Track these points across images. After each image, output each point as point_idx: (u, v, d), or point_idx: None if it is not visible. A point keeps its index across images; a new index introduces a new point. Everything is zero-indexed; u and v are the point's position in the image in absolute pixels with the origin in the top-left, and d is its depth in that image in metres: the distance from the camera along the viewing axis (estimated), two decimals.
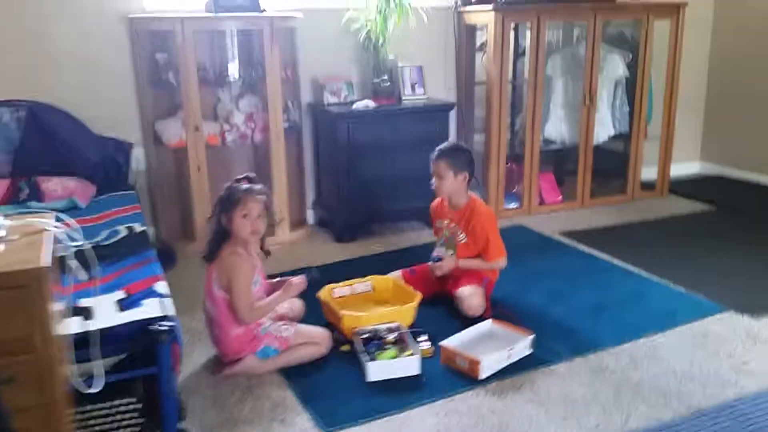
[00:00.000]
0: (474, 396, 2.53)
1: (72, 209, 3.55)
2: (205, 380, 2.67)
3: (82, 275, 1.83)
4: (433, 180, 3.25)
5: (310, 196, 4.59)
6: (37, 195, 3.58)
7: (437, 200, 3.41)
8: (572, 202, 4.92)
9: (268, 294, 2.82)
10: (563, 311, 3.22)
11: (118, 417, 2.24)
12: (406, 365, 2.65)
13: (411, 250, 4.05)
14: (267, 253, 2.87)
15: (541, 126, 4.80)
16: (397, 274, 3.35)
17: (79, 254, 2.87)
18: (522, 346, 2.77)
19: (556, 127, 4.93)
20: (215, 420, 2.40)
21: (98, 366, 1.92)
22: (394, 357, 2.68)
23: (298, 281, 2.77)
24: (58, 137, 3.81)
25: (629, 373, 2.67)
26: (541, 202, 4.88)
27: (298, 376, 2.67)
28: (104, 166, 3.94)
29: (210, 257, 2.67)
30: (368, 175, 4.21)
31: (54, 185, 3.64)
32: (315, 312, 3.06)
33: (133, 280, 2.57)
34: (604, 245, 4.08)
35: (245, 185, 2.70)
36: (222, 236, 2.68)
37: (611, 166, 5.17)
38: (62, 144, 3.83)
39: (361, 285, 3.28)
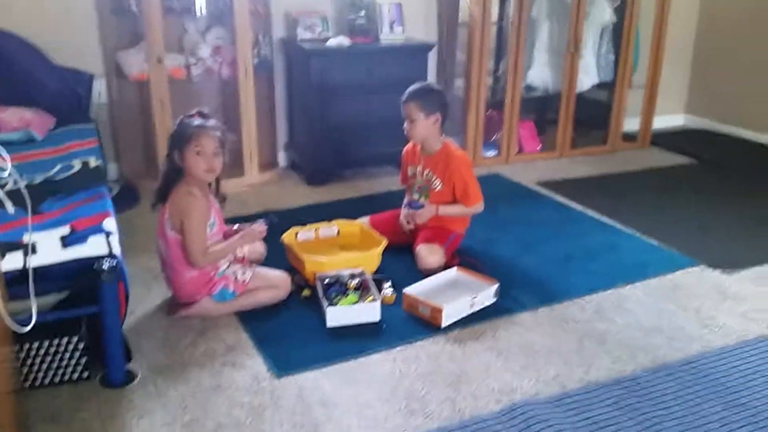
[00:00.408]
0: (434, 344, 2.46)
1: (28, 141, 3.41)
2: (158, 321, 2.58)
3: (10, 209, 1.69)
4: (405, 123, 3.12)
5: (282, 137, 4.44)
6: None
7: (409, 145, 3.28)
8: (552, 152, 4.81)
9: (226, 238, 2.71)
10: (532, 261, 3.14)
11: (62, 356, 2.15)
12: (366, 311, 2.57)
13: (383, 196, 3.95)
14: (222, 198, 2.73)
15: (523, 72, 4.65)
16: (364, 220, 3.25)
17: (18, 192, 2.76)
18: (486, 294, 2.69)
19: (540, 74, 4.78)
20: (165, 362, 2.32)
21: (33, 304, 1.81)
22: (355, 302, 2.59)
23: (258, 228, 2.65)
24: (14, 65, 3.62)
25: (594, 325, 2.61)
26: (520, 151, 4.76)
27: (255, 319, 2.59)
28: (64, 98, 3.77)
29: (161, 197, 2.54)
30: (341, 117, 4.06)
31: (9, 116, 3.46)
32: (278, 255, 2.96)
33: (81, 216, 2.46)
34: (580, 196, 3.99)
35: (198, 120, 2.55)
36: (174, 175, 2.54)
37: (594, 116, 5.04)
38: (19, 72, 3.65)
39: (327, 229, 3.18)
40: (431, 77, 4.59)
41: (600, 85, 4.88)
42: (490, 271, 2.94)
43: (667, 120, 5.41)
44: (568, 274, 3.02)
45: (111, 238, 2.27)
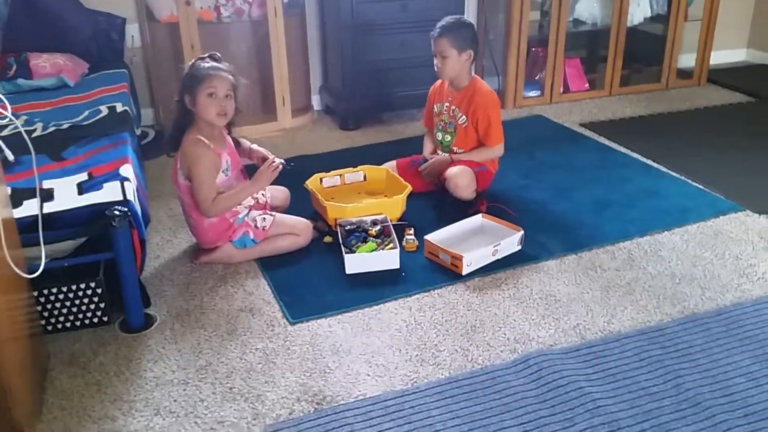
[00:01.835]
0: (452, 292, 2.41)
1: (62, 87, 3.45)
2: (182, 267, 2.61)
3: (9, 156, 1.70)
4: (435, 60, 3.00)
5: (317, 80, 4.36)
6: (26, 72, 3.46)
7: (437, 83, 3.17)
8: (600, 91, 4.58)
9: (244, 177, 2.69)
10: (565, 207, 3.02)
11: (81, 301, 2.20)
12: (386, 258, 2.53)
13: (419, 139, 3.83)
14: (236, 142, 2.70)
15: (571, 4, 4.41)
16: (391, 164, 3.18)
17: (48, 136, 2.81)
18: (510, 242, 2.61)
19: (588, 6, 4.51)
20: (183, 307, 2.35)
21: (42, 250, 1.84)
22: (374, 250, 2.55)
23: (268, 170, 2.60)
24: (47, 11, 3.63)
25: (623, 273, 2.50)
26: (566, 91, 4.55)
27: (275, 266, 2.59)
28: (97, 43, 3.79)
29: (174, 144, 2.52)
30: (375, 58, 3.95)
31: (43, 62, 3.50)
32: (303, 202, 2.93)
33: (100, 162, 2.48)
34: (626, 138, 3.80)
35: (209, 63, 2.50)
36: (185, 120, 2.51)
37: (647, 52, 4.77)
38: (52, 18, 3.66)
39: (353, 174, 3.13)
40: (470, 13, 4.41)
41: (654, 18, 4.58)
42: (519, 218, 2.86)
43: (726, 55, 5.07)
44: (602, 220, 2.90)
45: (126, 184, 2.28)
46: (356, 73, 3.95)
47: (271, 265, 2.59)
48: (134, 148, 2.81)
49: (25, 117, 3.02)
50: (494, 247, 2.55)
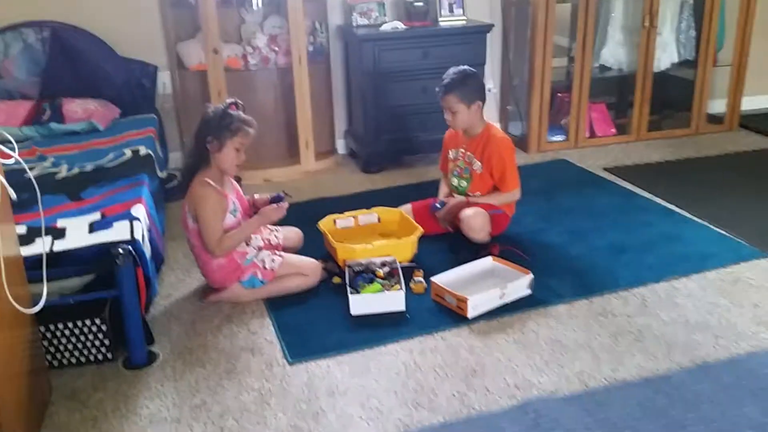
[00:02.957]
0: (456, 335, 2.38)
1: (92, 131, 3.59)
2: (190, 305, 2.65)
3: (12, 195, 1.77)
4: (446, 114, 3.02)
5: (341, 124, 4.44)
6: (59, 116, 3.62)
7: (451, 130, 3.19)
8: (627, 136, 4.53)
9: (247, 213, 2.73)
10: (581, 251, 2.97)
11: (86, 337, 2.24)
12: (391, 300, 2.52)
13: (439, 182, 3.85)
14: (238, 179, 2.77)
15: (596, 50, 4.42)
16: (407, 207, 3.18)
17: (72, 177, 2.91)
18: (518, 286, 2.57)
19: (614, 52, 4.50)
20: (187, 345, 2.37)
21: (44, 287, 1.89)
22: (379, 291, 2.55)
23: (273, 208, 2.64)
24: (82, 59, 3.82)
25: (635, 319, 2.43)
26: (592, 135, 4.52)
27: (282, 306, 2.60)
28: (129, 89, 3.93)
29: (185, 186, 2.58)
30: (397, 103, 4.00)
31: (75, 107, 3.66)
32: (317, 242, 2.95)
33: (114, 202, 2.56)
34: (650, 182, 3.74)
35: (241, 113, 2.56)
36: (200, 162, 2.57)
37: (674, 97, 4.73)
38: (87, 66, 3.84)
39: (367, 216, 3.15)
40: (494, 60, 4.45)
41: (682, 64, 4.54)
42: (531, 261, 2.82)
43: (757, 101, 4.96)
44: (618, 265, 2.83)
45: (135, 223, 2.34)
46: (378, 118, 4.01)
47: (277, 305, 2.60)
48: (153, 190, 2.90)
49: (52, 159, 3.14)
50: (502, 290, 2.52)
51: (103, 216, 2.43)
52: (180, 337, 2.43)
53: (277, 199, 2.68)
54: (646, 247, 2.98)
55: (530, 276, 2.60)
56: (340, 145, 4.45)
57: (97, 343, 2.26)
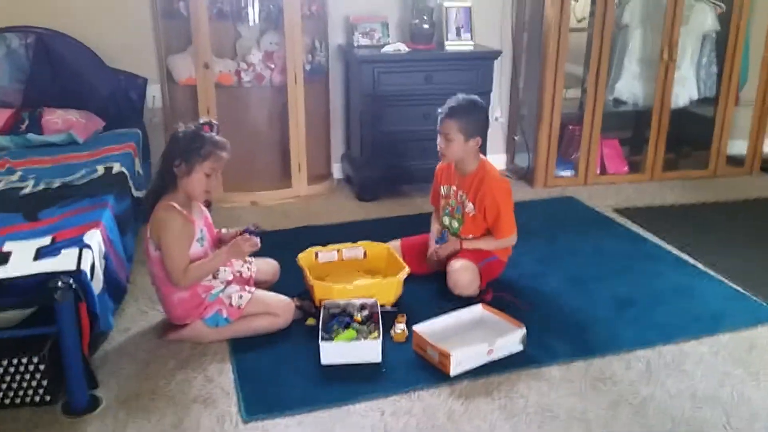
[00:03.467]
0: (435, 395, 2.13)
1: (71, 144, 3.39)
2: (148, 342, 2.41)
3: None
4: (439, 139, 2.78)
5: (339, 148, 4.22)
6: (37, 127, 3.42)
7: (443, 163, 2.94)
8: (640, 174, 4.28)
9: (216, 245, 2.50)
10: (582, 302, 2.71)
11: (22, 376, 2.02)
12: (365, 350, 2.27)
13: None
14: (208, 204, 2.54)
15: (610, 83, 4.19)
16: (395, 244, 2.94)
17: (36, 194, 2.70)
18: (509, 341, 2.32)
19: (629, 86, 4.27)
20: (135, 391, 2.14)
21: None
22: (353, 338, 2.30)
23: (245, 241, 2.40)
24: (68, 68, 3.63)
25: (637, 387, 2.17)
26: (603, 172, 4.28)
27: (247, 349, 2.36)
28: (116, 101, 3.74)
29: (148, 210, 2.36)
30: (395, 129, 3.79)
31: (56, 118, 3.46)
32: (295, 277, 2.71)
33: (69, 226, 2.34)
34: (662, 227, 3.48)
35: (214, 136, 2.34)
36: (166, 185, 2.35)
37: (692, 135, 4.48)
38: (73, 75, 3.65)
39: (351, 250, 2.91)
40: (501, 86, 4.24)
41: (701, 101, 4.30)
42: (526, 312, 2.57)
43: None
44: (621, 321, 2.57)
45: (85, 252, 2.12)
46: (375, 143, 3.79)
47: (242, 348, 2.36)
48: (120, 211, 2.68)
49: (20, 173, 2.94)
50: (490, 345, 2.27)
51: (53, 241, 2.21)
52: (129, 379, 2.20)
53: (247, 233, 2.44)
54: (654, 301, 2.72)
55: (523, 330, 2.35)
56: (337, 170, 4.23)
57: (34, 383, 2.03)
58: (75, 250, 2.12)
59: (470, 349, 2.23)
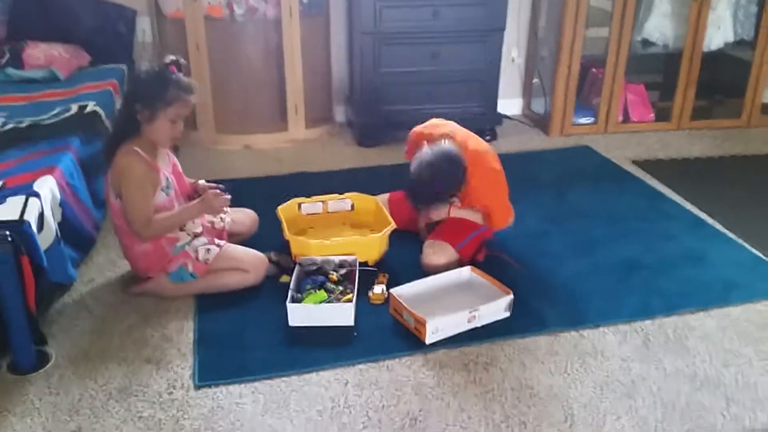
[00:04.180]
0: (406, 365, 1.95)
1: (53, 80, 3.22)
2: (109, 296, 2.28)
3: None
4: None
5: (342, 90, 3.97)
6: (18, 62, 3.26)
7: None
8: (666, 123, 3.97)
9: (190, 198, 2.33)
10: (582, 266, 2.49)
11: None
12: (337, 313, 2.10)
13: None
14: (175, 148, 2.35)
15: (639, 21, 3.84)
16: (384, 197, 2.72)
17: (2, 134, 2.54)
18: (494, 308, 2.12)
19: (659, 25, 3.91)
20: (87, 348, 2.01)
21: None
22: (323, 301, 2.13)
23: (217, 197, 2.23)
24: None
25: (630, 364, 1.97)
26: (626, 120, 3.97)
27: (212, 307, 2.21)
28: (104, 35, 3.54)
29: (108, 156, 2.18)
30: (400, 70, 3.53)
31: (38, 52, 3.29)
32: (275, 229, 2.53)
33: (22, 171, 2.18)
34: (682, 182, 3.20)
35: (180, 78, 2.14)
36: (128, 130, 2.16)
37: (726, 82, 4.12)
38: (58, 6, 3.46)
39: (338, 203, 2.72)
40: (520, 25, 3.93)
41: (737, 44, 3.93)
42: (521, 273, 2.36)
43: None
44: (624, 288, 2.35)
45: (32, 201, 1.96)
46: (377, 85, 3.54)
47: (207, 305, 2.21)
48: (87, 155, 2.52)
49: None
50: (471, 312, 2.08)
51: (2, 187, 2.06)
52: (83, 335, 2.07)
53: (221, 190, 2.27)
54: (663, 267, 2.49)
55: (510, 297, 2.14)
56: (340, 113, 4.00)
57: None
58: (21, 199, 1.96)
59: (450, 316, 2.05)
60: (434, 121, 2.54)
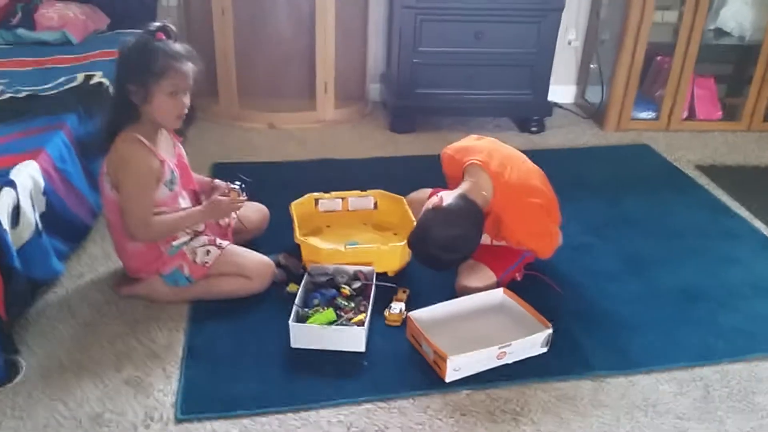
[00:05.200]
0: (421, 408, 1.68)
1: (65, 44, 2.99)
2: (96, 295, 2.04)
3: None
4: None
5: (378, 66, 3.65)
6: (29, 22, 3.02)
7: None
8: (736, 123, 3.57)
9: (196, 198, 2.08)
10: (634, 291, 2.17)
11: None
12: (345, 337, 1.83)
13: None
14: (180, 134, 2.07)
15: (714, 8, 3.44)
16: (418, 195, 2.38)
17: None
18: (529, 343, 1.82)
19: (737, 14, 3.50)
20: (63, 359, 1.78)
21: None
22: (331, 322, 1.86)
23: (227, 201, 1.99)
24: None
25: (686, 425, 1.66)
26: (690, 116, 3.58)
27: (207, 317, 1.95)
28: None
29: (105, 144, 1.91)
30: (441, 50, 3.21)
31: (52, 12, 3.05)
32: (286, 227, 2.25)
33: (5, 152, 1.94)
34: (752, 195, 2.83)
35: (168, 45, 1.85)
36: (125, 115, 1.89)
37: None
38: None
39: (359, 200, 2.43)
40: (577, 3, 3.55)
41: None
42: (559, 299, 2.06)
43: None
44: (682, 322, 2.03)
45: (5, 192, 1.71)
46: (415, 64, 3.21)
47: (202, 314, 1.96)
48: (86, 133, 2.27)
49: None
50: (501, 348, 1.78)
51: None
52: (62, 343, 1.84)
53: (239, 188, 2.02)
54: (727, 297, 2.16)
55: (548, 331, 1.84)
56: (374, 92, 3.68)
57: None
58: None
59: (475, 354, 1.75)
60: (469, 141, 2.18)
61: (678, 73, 3.42)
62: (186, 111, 1.92)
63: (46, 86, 2.48)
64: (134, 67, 1.82)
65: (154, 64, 1.80)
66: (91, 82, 2.51)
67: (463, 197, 1.93)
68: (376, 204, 2.43)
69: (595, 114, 3.61)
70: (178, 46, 1.87)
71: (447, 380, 1.74)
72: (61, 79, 2.54)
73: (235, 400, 1.66)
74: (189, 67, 1.87)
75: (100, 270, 2.15)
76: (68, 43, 2.98)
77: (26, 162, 1.87)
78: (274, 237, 2.27)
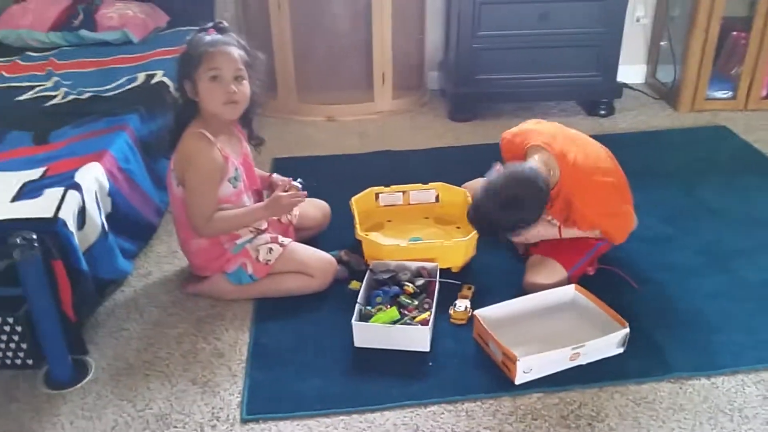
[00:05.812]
0: (489, 411, 1.62)
1: (126, 43, 3.03)
2: (164, 295, 2.05)
3: None
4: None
5: (436, 54, 3.57)
6: (91, 23, 3.06)
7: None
8: None
9: (260, 199, 2.07)
10: (718, 286, 2.04)
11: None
12: (409, 336, 1.78)
13: None
14: (259, 141, 2.07)
15: None
16: (476, 183, 2.32)
17: (62, 106, 2.36)
18: (604, 344, 1.73)
19: None
20: (132, 360, 1.79)
21: None
22: (394, 321, 1.81)
23: (288, 197, 1.97)
24: None
25: None
26: None
27: (271, 315, 1.94)
28: None
29: (172, 142, 1.92)
30: (502, 32, 3.10)
31: (112, 12, 3.09)
32: (348, 224, 2.21)
33: (68, 155, 1.97)
34: None
35: (202, 36, 1.87)
36: (187, 114, 1.91)
37: None
38: None
39: (421, 193, 2.37)
40: None
41: None
42: (636, 296, 1.96)
43: None
44: None
45: (70, 194, 1.73)
46: (474, 50, 3.12)
47: (266, 312, 1.95)
48: (150, 132, 2.29)
49: (56, 78, 2.60)
50: (575, 349, 1.70)
51: (43, 175, 1.85)
52: (129, 343, 1.85)
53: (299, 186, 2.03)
54: None
55: (625, 331, 1.74)
56: (432, 80, 3.60)
57: (12, 346, 1.72)
58: (59, 192, 1.74)
59: (547, 355, 1.68)
60: (529, 124, 2.10)
61: (756, 48, 3.22)
62: (237, 97, 1.88)
63: (108, 87, 2.51)
64: (183, 62, 1.86)
65: (194, 53, 1.83)
66: (152, 81, 2.53)
67: (527, 165, 1.87)
68: (437, 197, 2.36)
69: (668, 94, 3.44)
70: (215, 36, 1.87)
71: (516, 382, 1.68)
72: (123, 80, 2.57)
73: (299, 401, 1.64)
74: (228, 50, 1.85)
75: (166, 269, 2.17)
76: (129, 42, 3.01)
77: (90, 164, 1.88)
78: (336, 233, 2.24)
